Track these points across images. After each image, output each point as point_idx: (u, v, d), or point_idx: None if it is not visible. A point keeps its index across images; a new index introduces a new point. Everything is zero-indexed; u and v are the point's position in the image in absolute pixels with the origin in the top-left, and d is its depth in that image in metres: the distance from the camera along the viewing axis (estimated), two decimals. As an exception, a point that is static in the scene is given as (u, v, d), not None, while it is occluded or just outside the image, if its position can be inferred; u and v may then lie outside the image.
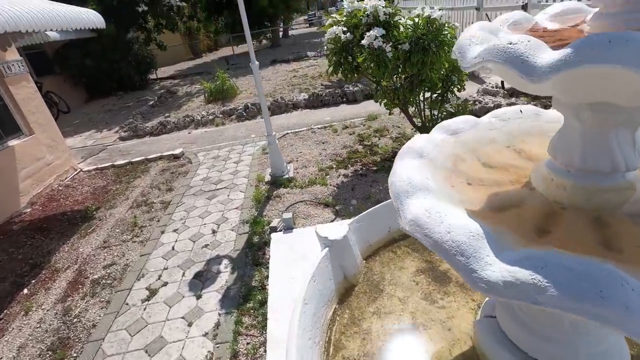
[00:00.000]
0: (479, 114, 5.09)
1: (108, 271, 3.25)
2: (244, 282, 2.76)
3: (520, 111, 1.76)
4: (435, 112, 4.25)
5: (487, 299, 1.81)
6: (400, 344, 1.78)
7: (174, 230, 3.68)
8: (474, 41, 1.05)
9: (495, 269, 0.89)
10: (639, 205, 1.11)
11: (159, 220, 3.96)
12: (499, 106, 4.99)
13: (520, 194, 1.29)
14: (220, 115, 7.78)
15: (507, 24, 1.31)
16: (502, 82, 6.25)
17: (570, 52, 0.77)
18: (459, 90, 4.04)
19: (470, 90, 6.09)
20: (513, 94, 5.70)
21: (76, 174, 5.88)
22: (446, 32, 3.38)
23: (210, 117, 7.74)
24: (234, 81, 10.25)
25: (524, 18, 1.31)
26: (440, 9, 3.39)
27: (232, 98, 9.32)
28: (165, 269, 3.11)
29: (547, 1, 5.49)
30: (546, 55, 0.82)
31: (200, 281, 2.87)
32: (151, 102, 10.54)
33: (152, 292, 2.84)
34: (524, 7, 5.68)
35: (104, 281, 3.13)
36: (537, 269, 0.82)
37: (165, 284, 2.92)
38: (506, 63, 0.87)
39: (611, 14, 0.97)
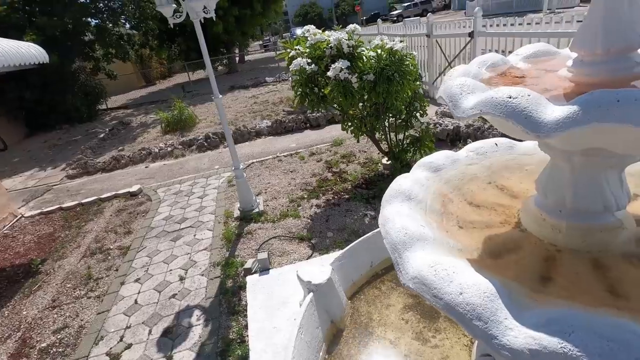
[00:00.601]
0: (440, 136, 5.29)
1: (59, 336, 2.85)
2: (220, 336, 2.53)
3: (496, 144, 1.79)
4: (401, 137, 4.34)
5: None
6: (398, 396, 1.67)
7: (136, 280, 3.35)
8: (465, 90, 1.03)
9: (517, 334, 0.83)
10: (631, 244, 1.13)
11: (117, 270, 3.59)
12: (457, 128, 5.22)
13: (514, 237, 1.27)
14: (180, 147, 7.46)
15: (485, 66, 1.32)
16: (457, 104, 6.58)
17: (577, 110, 0.76)
18: (421, 115, 4.17)
19: (429, 112, 6.34)
20: (468, 115, 6.00)
21: (16, 220, 5.27)
22: (407, 62, 3.49)
23: (169, 149, 7.39)
24: (192, 109, 9.96)
25: (500, 60, 1.33)
26: (401, 41, 3.51)
27: (192, 127, 9.02)
28: (127, 327, 2.78)
29: (491, 27, 5.93)
30: (550, 112, 0.81)
31: (170, 339, 2.59)
32: (102, 135, 9.91)
33: (114, 358, 2.51)
34: (471, 35, 6.10)
35: (54, 349, 2.72)
36: (564, 335, 0.78)
37: (129, 346, 2.60)
38: (509, 118, 0.85)
39: (592, 62, 1.00)
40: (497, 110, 0.88)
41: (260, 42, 36.53)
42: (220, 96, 3.67)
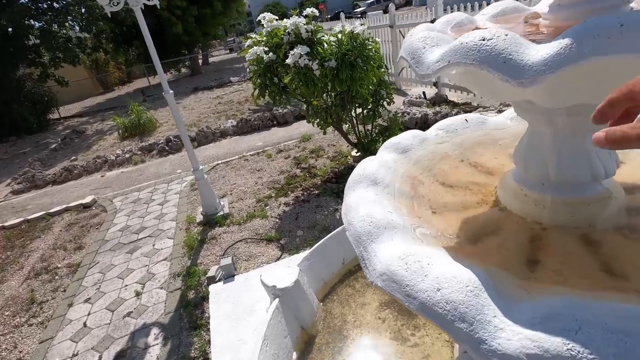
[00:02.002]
0: (408, 125, 5.21)
1: (-8, 373, 2.47)
2: (180, 355, 2.25)
3: (466, 120, 1.65)
4: (369, 127, 4.19)
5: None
6: (379, 405, 1.49)
7: (86, 300, 2.99)
8: (429, 42, 0.86)
9: (510, 335, 0.66)
10: (622, 215, 1.00)
11: (65, 290, 3.21)
12: (425, 116, 5.16)
13: (493, 217, 1.12)
14: (139, 152, 6.99)
15: (450, 26, 1.16)
16: (424, 93, 6.56)
17: (570, 43, 0.59)
18: (388, 104, 4.04)
19: (396, 103, 6.26)
20: (435, 103, 5.98)
21: (-50, 244, 4.68)
22: (370, 47, 3.33)
23: (127, 155, 6.90)
24: (153, 114, 9.44)
25: (466, 19, 1.17)
26: (361, 24, 3.34)
27: (152, 132, 8.52)
28: (74, 355, 2.44)
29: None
30: (535, 52, 0.64)
31: (124, 364, 2.29)
32: (53, 146, 9.18)
33: (57, 393, 2.18)
34: (433, 22, 6.06)
35: (-14, 389, 2.35)
36: (569, 333, 0.61)
37: (75, 377, 2.28)
38: (483, 64, 0.68)
39: (571, 4, 0.85)
40: (469, 58, 0.71)
41: (225, 43, 35.72)
42: (171, 91, 3.36)
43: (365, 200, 1.15)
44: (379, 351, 1.81)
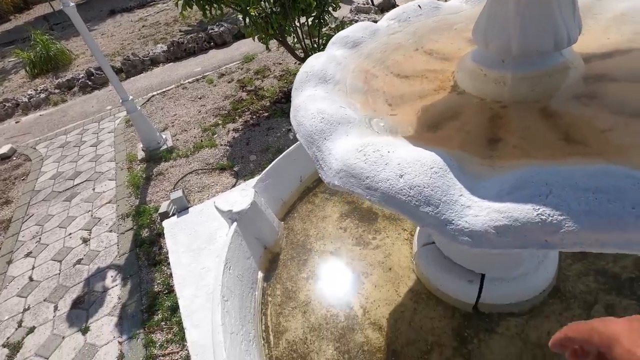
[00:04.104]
0: (357, 34, 4.87)
1: None
2: (143, 292, 2.19)
3: (419, 6, 1.48)
4: (316, 40, 3.85)
5: (418, 227, 1.67)
6: (346, 303, 1.56)
7: (27, 255, 2.74)
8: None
9: (478, 211, 0.61)
10: (580, 84, 0.96)
11: (-1, 248, 2.92)
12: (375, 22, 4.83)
13: (452, 102, 1.04)
14: (57, 91, 6.06)
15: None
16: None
17: None
18: (334, 9, 3.67)
19: (343, 11, 5.78)
20: (384, 9, 5.60)
21: None
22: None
23: (43, 96, 5.97)
24: (65, 44, 8.04)
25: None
26: None
27: (67, 66, 7.33)
28: (26, 309, 2.29)
29: None
30: None
31: (83, 309, 2.19)
32: (-55, 92, 7.66)
33: (14, 348, 2.07)
34: None
35: None
36: (539, 198, 0.57)
37: (32, 329, 2.15)
38: None
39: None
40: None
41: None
42: (72, 4, 2.72)
43: (315, 98, 1.02)
44: (342, 257, 1.85)
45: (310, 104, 0.98)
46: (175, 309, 2.02)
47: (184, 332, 1.84)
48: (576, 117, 0.86)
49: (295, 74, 4.45)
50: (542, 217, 0.56)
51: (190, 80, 5.19)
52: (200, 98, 4.52)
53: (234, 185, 2.82)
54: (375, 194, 0.70)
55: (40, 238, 2.88)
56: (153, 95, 5.00)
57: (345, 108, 0.96)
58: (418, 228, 1.70)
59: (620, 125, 0.74)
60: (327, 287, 1.68)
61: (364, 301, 1.57)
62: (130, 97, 3.31)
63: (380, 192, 0.69)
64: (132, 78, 6.05)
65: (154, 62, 6.41)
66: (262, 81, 4.52)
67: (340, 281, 1.68)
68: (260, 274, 1.82)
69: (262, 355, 1.47)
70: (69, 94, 6.05)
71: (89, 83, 6.10)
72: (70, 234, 2.83)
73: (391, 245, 1.86)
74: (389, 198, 0.68)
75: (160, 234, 2.51)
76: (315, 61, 1.19)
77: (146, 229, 2.63)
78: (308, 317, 1.57)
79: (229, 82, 4.76)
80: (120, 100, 3.30)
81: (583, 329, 0.40)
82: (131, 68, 6.23)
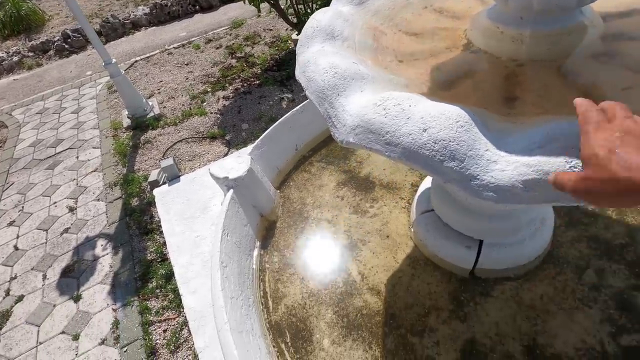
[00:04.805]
0: None
1: None
2: (136, 260, 2.16)
3: (427, -38, 1.40)
4: (310, 4, 3.68)
5: (417, 194, 1.67)
6: (344, 270, 1.57)
7: (10, 224, 2.65)
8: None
9: (505, 166, 0.59)
10: (597, 42, 0.93)
11: (-20, 217, 2.80)
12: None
13: (466, 59, 1.00)
14: (31, 54, 5.69)
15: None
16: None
17: None
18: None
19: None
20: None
21: None
22: None
23: (16, 59, 5.60)
24: (36, 3, 7.48)
25: None
26: None
27: (41, 27, 6.86)
28: (13, 278, 2.24)
29: None
30: None
31: (74, 277, 2.15)
32: None
33: (3, 316, 2.03)
34: None
35: None
36: (572, 150, 0.55)
37: (21, 298, 2.11)
38: None
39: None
40: None
41: None
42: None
43: (325, 53, 0.96)
44: (339, 225, 1.84)
45: (320, 58, 0.92)
46: (169, 276, 2.00)
47: (180, 299, 1.83)
48: (595, 75, 0.84)
49: (287, 41, 4.28)
50: (575, 169, 0.54)
51: (175, 45, 4.94)
52: (187, 64, 4.32)
53: (225, 154, 2.75)
54: (396, 149, 0.67)
55: (23, 207, 2.78)
56: (136, 61, 4.75)
57: (357, 64, 0.91)
58: (416, 196, 1.70)
59: (641, 83, 0.72)
60: (325, 254, 1.68)
61: (362, 267, 1.58)
62: (113, 59, 3.13)
63: (401, 147, 0.66)
64: (112, 42, 5.73)
65: (136, 25, 6.05)
66: (253, 48, 4.34)
67: (338, 249, 1.68)
68: (257, 242, 1.81)
69: (261, 320, 1.48)
70: (45, 57, 5.69)
71: (66, 46, 5.74)
72: (55, 202, 2.74)
73: (389, 214, 1.86)
74: (411, 153, 0.65)
75: (151, 203, 2.45)
76: (322, 16, 1.12)
77: (136, 198, 2.56)
78: (306, 283, 1.57)
79: (217, 48, 4.55)
80: (103, 64, 3.12)
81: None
82: (111, 31, 5.87)
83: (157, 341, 1.73)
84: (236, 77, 3.75)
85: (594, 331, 1.14)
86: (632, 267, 1.26)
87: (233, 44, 4.54)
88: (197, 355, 1.48)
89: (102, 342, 1.79)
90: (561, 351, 1.12)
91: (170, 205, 2.29)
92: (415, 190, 1.73)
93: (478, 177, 0.61)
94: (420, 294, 1.37)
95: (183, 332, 1.76)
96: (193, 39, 5.04)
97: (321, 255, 1.67)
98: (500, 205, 0.59)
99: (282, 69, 3.64)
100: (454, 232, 1.39)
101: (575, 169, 0.54)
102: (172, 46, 4.94)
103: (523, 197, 0.57)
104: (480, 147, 0.62)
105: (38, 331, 1.91)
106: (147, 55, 4.86)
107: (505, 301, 1.27)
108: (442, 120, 0.64)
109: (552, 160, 0.55)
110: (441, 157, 0.63)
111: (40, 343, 1.85)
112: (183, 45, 4.87)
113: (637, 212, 1.44)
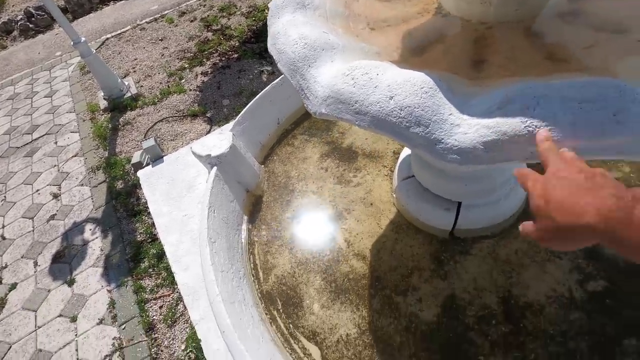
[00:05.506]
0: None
1: None
2: (126, 242, 2.18)
3: None
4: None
5: (398, 162, 1.71)
6: (330, 238, 1.62)
7: (-6, 214, 2.62)
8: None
9: (467, 129, 0.62)
10: (563, 2, 0.94)
11: (-39, 210, 2.75)
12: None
13: (436, 24, 1.00)
14: (-7, 35, 5.38)
15: None
16: None
17: None
18: None
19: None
20: None
21: None
22: None
23: (-23, 42, 5.29)
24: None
25: None
26: None
27: (0, 6, 6.43)
28: (4, 267, 2.25)
29: None
30: None
31: (65, 263, 2.17)
32: None
33: (-1, 304, 2.06)
34: None
35: None
36: (527, 111, 0.58)
37: (14, 285, 2.13)
38: None
39: None
40: None
41: None
42: None
43: (296, 23, 0.95)
44: (324, 196, 1.88)
45: (290, 29, 0.91)
46: (161, 255, 2.04)
47: (173, 277, 1.88)
48: (560, 35, 0.86)
49: (264, 11, 4.12)
50: (529, 128, 0.57)
51: (147, 20, 4.72)
52: (161, 40, 4.15)
53: (208, 132, 2.72)
54: (365, 118, 0.69)
55: (5, 196, 2.73)
56: (107, 39, 4.54)
57: (327, 33, 0.90)
58: (398, 163, 1.73)
59: (602, 41, 0.74)
60: (311, 224, 1.73)
61: (348, 235, 1.63)
62: (83, 38, 2.99)
63: (370, 115, 0.68)
64: (80, 19, 5.43)
65: (103, -1, 5.73)
66: (229, 19, 4.18)
67: (324, 218, 1.72)
68: (244, 217, 1.84)
69: (253, 290, 1.54)
70: (9, 39, 5.39)
71: (31, 26, 5.43)
72: (38, 190, 2.70)
73: (372, 182, 1.90)
74: (379, 121, 0.67)
75: (136, 185, 2.44)
76: (291, -16, 1.09)
77: (120, 181, 2.55)
78: (295, 254, 1.63)
79: (192, 21, 4.37)
80: (72, 43, 2.98)
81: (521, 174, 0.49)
82: (77, 7, 5.55)
83: (154, 317, 1.79)
84: (213, 51, 3.63)
85: (563, 280, 1.23)
86: (601, 218, 1.33)
87: (208, 15, 4.36)
88: (194, 327, 1.55)
89: (100, 321, 1.85)
90: (533, 300, 1.21)
91: (156, 186, 2.29)
92: (397, 158, 1.77)
93: (442, 140, 0.63)
94: (403, 257, 1.43)
95: (179, 307, 1.82)
96: (166, 12, 4.81)
97: (308, 226, 1.72)
98: (464, 167, 0.62)
99: (260, 41, 3.54)
100: (434, 196, 1.44)
101: (530, 128, 0.57)
102: (144, 21, 4.72)
103: (484, 158, 0.60)
104: (444, 112, 0.64)
105: (35, 316, 1.95)
106: (119, 32, 4.64)
107: (483, 258, 1.35)
108: (407, 87, 0.66)
109: (509, 121, 0.58)
110: (407, 124, 0.65)
111: (39, 327, 1.90)
112: (156, 20, 4.66)
113: (607, 167, 1.50)
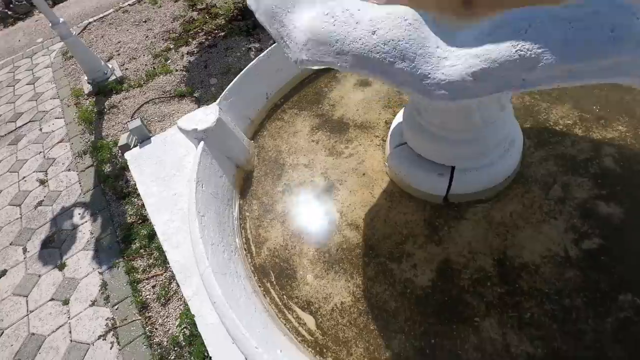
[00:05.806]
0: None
1: None
2: (116, 225, 2.14)
3: None
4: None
5: (390, 129, 1.67)
6: (323, 210, 1.59)
7: (-20, 203, 2.56)
8: None
9: (454, 61, 0.58)
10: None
11: (-54, 200, 2.69)
12: None
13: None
14: (-29, 24, 5.19)
15: None
16: None
17: None
18: None
19: None
20: None
21: None
22: None
23: (-46, 30, 5.10)
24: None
25: None
26: None
27: (-23, -8, 6.19)
28: (-8, 255, 2.21)
29: None
30: None
31: (55, 248, 2.13)
32: None
33: (-11, 291, 2.03)
34: None
35: None
36: (519, 34, 0.53)
37: (4, 272, 2.09)
38: None
39: None
40: None
41: None
42: None
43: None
44: (316, 168, 1.84)
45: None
46: (152, 236, 2.00)
47: (165, 256, 1.85)
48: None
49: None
50: (520, 52, 0.53)
51: (130, 2, 4.56)
52: (145, 22, 4.02)
53: (196, 112, 2.65)
54: (347, 57, 0.64)
55: (-10, 184, 2.67)
56: (90, 23, 4.39)
57: (307, -20, 0.85)
58: (390, 131, 1.69)
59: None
60: (303, 197, 1.69)
61: (340, 206, 1.60)
62: (61, 19, 2.87)
63: (351, 54, 0.64)
64: (60, 5, 5.25)
65: (84, -18, 5.51)
66: (214, -3, 4.05)
67: (316, 190, 1.69)
68: (235, 192, 1.80)
69: (245, 264, 1.51)
70: (-13, 26, 5.21)
71: (9, 13, 5.24)
72: (24, 177, 2.64)
73: (364, 152, 1.86)
74: (362, 59, 0.63)
75: (125, 167, 2.39)
76: None
77: (108, 164, 2.49)
78: (287, 226, 1.60)
79: (176, 1, 4.23)
80: (50, 24, 2.87)
81: None
82: (56, -9, 5.35)
83: (148, 296, 1.77)
84: (199, 30, 3.53)
85: (558, 239, 1.21)
86: (595, 178, 1.31)
87: (192, -5, 4.22)
88: (187, 304, 1.53)
89: (93, 303, 1.82)
90: (529, 260, 1.19)
91: (144, 167, 2.23)
92: (389, 128, 1.72)
93: (429, 75, 0.59)
94: (397, 224, 1.40)
95: (172, 286, 1.80)
96: (148, -7, 4.65)
97: (299, 199, 1.69)
98: (454, 103, 0.58)
99: (247, 18, 3.43)
100: (427, 162, 1.40)
101: (521, 52, 0.53)
102: (126, 3, 4.57)
103: (474, 90, 0.56)
104: (430, 45, 0.60)
105: (27, 301, 1.92)
106: (101, 15, 4.49)
107: (477, 222, 1.32)
108: (390, 20, 0.61)
109: (499, 47, 0.54)
110: (392, 59, 0.60)
111: (31, 311, 1.87)
112: (139, 1, 4.50)
113: (602, 127, 1.47)
